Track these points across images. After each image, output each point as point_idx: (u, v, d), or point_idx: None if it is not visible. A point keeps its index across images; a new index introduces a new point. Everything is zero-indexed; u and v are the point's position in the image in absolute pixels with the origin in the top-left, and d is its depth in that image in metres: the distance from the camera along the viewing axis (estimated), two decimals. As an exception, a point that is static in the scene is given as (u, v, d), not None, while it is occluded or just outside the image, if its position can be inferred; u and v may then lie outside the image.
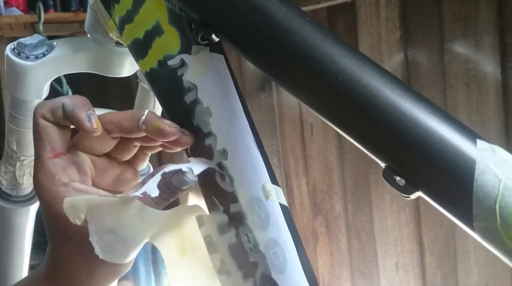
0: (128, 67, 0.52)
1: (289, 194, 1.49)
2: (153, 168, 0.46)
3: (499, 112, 1.03)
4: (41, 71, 0.49)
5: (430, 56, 1.12)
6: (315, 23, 0.36)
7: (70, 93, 1.90)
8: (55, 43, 0.50)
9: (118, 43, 0.50)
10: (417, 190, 0.30)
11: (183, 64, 0.42)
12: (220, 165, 0.39)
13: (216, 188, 0.40)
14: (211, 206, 0.41)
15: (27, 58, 0.49)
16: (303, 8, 1.25)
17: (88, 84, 2.14)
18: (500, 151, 0.29)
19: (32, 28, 1.72)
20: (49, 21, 1.74)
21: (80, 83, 2.12)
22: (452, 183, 0.28)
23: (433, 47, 1.10)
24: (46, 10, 1.78)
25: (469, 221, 0.27)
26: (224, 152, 0.40)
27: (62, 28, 1.77)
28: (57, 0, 1.87)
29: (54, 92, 1.75)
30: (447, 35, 1.08)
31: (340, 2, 1.19)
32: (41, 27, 1.71)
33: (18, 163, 0.59)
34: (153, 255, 1.89)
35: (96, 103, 0.41)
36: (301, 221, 1.46)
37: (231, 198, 0.39)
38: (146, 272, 1.87)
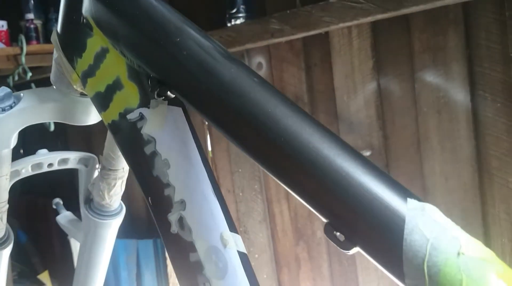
0: (93, 115, 0.54)
1: (271, 219, 1.50)
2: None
3: (470, 139, 1.06)
4: (9, 122, 0.50)
5: (401, 85, 1.14)
6: (263, 83, 0.38)
7: (52, 126, 1.92)
8: (22, 94, 0.52)
9: (82, 94, 0.52)
10: (355, 246, 0.31)
11: (142, 117, 0.43)
12: (179, 216, 0.41)
13: (175, 238, 0.41)
14: (170, 255, 0.42)
15: (-6, 110, 0.50)
16: (278, 40, 1.28)
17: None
18: (430, 210, 0.30)
19: (14, 60, 1.74)
20: (31, 52, 1.75)
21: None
22: (384, 242, 0.30)
23: (405, 76, 1.13)
24: (28, 42, 1.80)
25: (401, 278, 0.29)
26: (182, 203, 0.41)
27: (44, 59, 1.78)
28: (39, 32, 1.89)
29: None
30: (417, 64, 1.11)
31: (314, 33, 1.22)
32: (23, 59, 1.72)
33: None
34: (138, 270, 1.89)
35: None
36: (283, 247, 1.47)
37: (190, 248, 0.41)
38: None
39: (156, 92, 0.41)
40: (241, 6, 1.37)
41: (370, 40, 1.17)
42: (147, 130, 0.43)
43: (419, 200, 0.31)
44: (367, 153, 1.23)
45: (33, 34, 1.85)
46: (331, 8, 1.13)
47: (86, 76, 0.47)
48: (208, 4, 1.58)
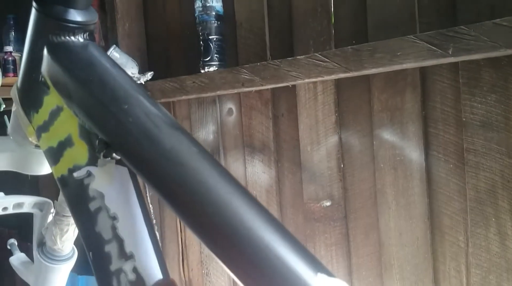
0: (46, 166, 0.56)
1: (233, 264, 1.51)
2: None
3: (424, 196, 1.10)
4: (-37, 169, 0.52)
5: (361, 140, 1.19)
6: (201, 153, 0.41)
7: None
8: (-22, 143, 0.54)
9: (37, 146, 0.54)
10: None
11: (89, 174, 0.46)
12: (118, 272, 0.43)
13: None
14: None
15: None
16: (249, 89, 1.33)
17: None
18: None
19: (-11, 90, 1.74)
20: (7, 84, 1.76)
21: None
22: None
23: (364, 132, 1.18)
24: (5, 74, 1.81)
25: None
26: (132, 255, 0.43)
27: (19, 91, 1.79)
28: (17, 64, 1.91)
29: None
30: (376, 122, 1.16)
31: (282, 85, 1.27)
32: (-3, 90, 1.73)
33: None
34: None
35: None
36: None
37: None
38: None
39: (102, 153, 0.44)
40: (215, 55, 1.41)
41: (334, 96, 1.22)
42: (93, 187, 0.45)
43: (330, 275, 0.33)
44: (327, 203, 1.26)
45: (11, 67, 1.87)
46: (298, 63, 1.18)
47: (40, 131, 0.50)
48: (184, 50, 1.63)
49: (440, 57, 0.99)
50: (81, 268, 1.37)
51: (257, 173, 1.41)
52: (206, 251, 1.59)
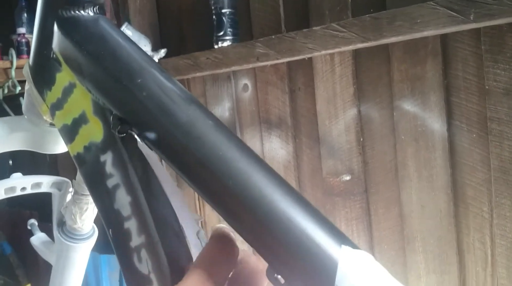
0: (61, 145, 0.55)
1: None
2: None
3: (446, 167, 1.08)
4: (-22, 150, 0.52)
5: (381, 112, 1.16)
6: (218, 126, 0.39)
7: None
8: (-7, 123, 0.53)
9: (52, 124, 0.53)
10: None
11: (105, 151, 0.45)
12: (138, 249, 0.42)
13: (133, 271, 0.42)
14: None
15: (-36, 138, 0.52)
16: (264, 63, 1.30)
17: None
18: (362, 258, 0.32)
19: (5, 74, 1.75)
20: (22, 66, 1.76)
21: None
22: (318, 287, 0.31)
23: (384, 104, 1.16)
24: (19, 56, 1.81)
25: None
26: (142, 236, 0.43)
27: (34, 73, 1.79)
28: (30, 46, 1.91)
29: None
30: (396, 93, 1.13)
31: (298, 58, 1.24)
32: (13, 72, 1.74)
33: None
34: None
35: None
36: (265, 268, 1.48)
37: (147, 281, 0.42)
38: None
39: (117, 129, 0.42)
40: (229, 30, 1.39)
41: (352, 68, 1.19)
42: (110, 163, 0.44)
43: (354, 247, 0.32)
44: (347, 178, 1.24)
45: (24, 48, 1.86)
46: (314, 35, 1.15)
47: (54, 109, 0.49)
48: (197, 26, 1.60)
49: (461, 23, 0.95)
50: (102, 247, 1.38)
51: (274, 149, 1.39)
52: (226, 227, 1.59)
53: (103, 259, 1.88)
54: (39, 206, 2.11)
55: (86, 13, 0.47)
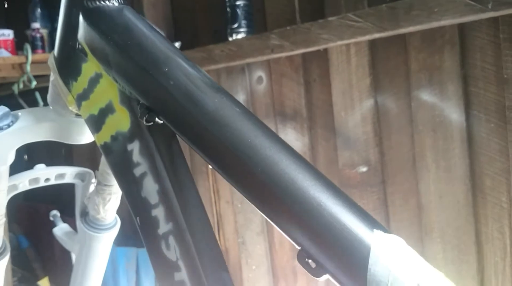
0: (87, 135, 0.56)
1: (269, 231, 1.51)
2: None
3: (465, 158, 1.07)
4: (6, 141, 0.52)
5: (398, 103, 1.16)
6: (245, 113, 0.39)
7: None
8: (19, 113, 0.54)
9: (77, 115, 0.54)
10: (326, 273, 0.33)
11: (132, 140, 0.45)
12: (165, 236, 0.43)
13: (161, 257, 0.43)
14: (157, 274, 0.44)
15: (-8, 129, 0.52)
16: (278, 55, 1.30)
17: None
18: (394, 241, 0.32)
19: (20, 69, 1.77)
20: (37, 61, 1.78)
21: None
22: (351, 271, 0.31)
23: (401, 94, 1.15)
24: (34, 51, 1.83)
25: (366, 305, 0.30)
26: (169, 223, 0.43)
27: (49, 68, 1.80)
28: (45, 41, 1.92)
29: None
30: (413, 83, 1.12)
31: (313, 49, 1.23)
32: (28, 67, 1.75)
33: None
34: (137, 278, 1.91)
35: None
36: (281, 259, 1.48)
37: (175, 267, 0.42)
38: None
39: (144, 118, 0.43)
40: (243, 21, 1.39)
41: (368, 58, 1.18)
42: (137, 152, 0.45)
43: (385, 231, 0.32)
44: (363, 169, 1.24)
45: (39, 43, 1.88)
46: (330, 26, 1.15)
47: (80, 99, 0.49)
48: (211, 18, 1.60)
49: (479, 12, 0.94)
50: (119, 239, 1.40)
51: (289, 141, 1.39)
52: (241, 220, 1.60)
53: (120, 251, 1.89)
54: (56, 200, 2.13)
55: (111, 3, 0.48)
